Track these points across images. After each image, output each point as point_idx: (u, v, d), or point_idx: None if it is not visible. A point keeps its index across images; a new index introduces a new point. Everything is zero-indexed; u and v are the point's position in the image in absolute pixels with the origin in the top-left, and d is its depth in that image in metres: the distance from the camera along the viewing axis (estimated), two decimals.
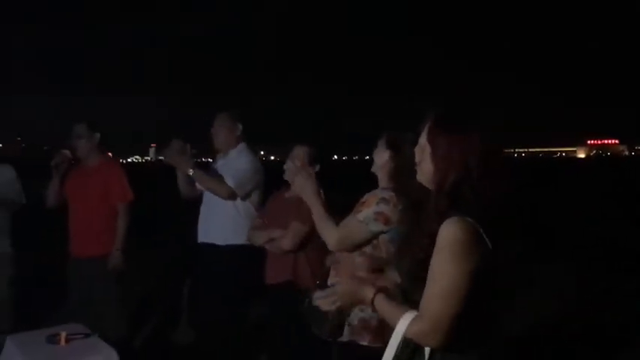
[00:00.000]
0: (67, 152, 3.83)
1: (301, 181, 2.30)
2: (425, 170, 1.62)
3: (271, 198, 3.35)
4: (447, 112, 1.63)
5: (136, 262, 3.92)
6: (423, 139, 1.63)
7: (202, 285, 3.60)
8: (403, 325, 1.50)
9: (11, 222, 4.19)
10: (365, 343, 2.25)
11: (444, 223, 1.48)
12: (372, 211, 2.23)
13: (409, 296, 1.61)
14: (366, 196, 2.32)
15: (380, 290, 1.63)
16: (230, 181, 3.46)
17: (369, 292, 1.63)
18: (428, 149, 1.60)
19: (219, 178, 3.49)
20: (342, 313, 2.20)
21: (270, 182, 3.70)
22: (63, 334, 2.87)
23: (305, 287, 2.62)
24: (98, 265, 3.70)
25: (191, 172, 3.46)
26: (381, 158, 2.40)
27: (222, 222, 3.52)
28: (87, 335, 2.96)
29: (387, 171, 2.39)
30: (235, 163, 3.57)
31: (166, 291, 5.09)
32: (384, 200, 2.24)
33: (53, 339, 2.85)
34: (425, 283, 1.50)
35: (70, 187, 3.88)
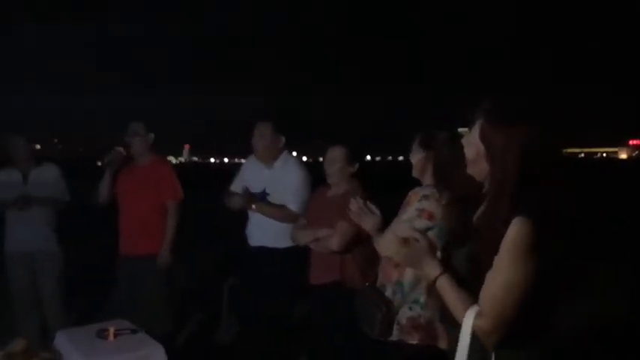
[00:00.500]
0: (120, 150, 3.86)
1: (371, 222, 2.31)
2: (480, 168, 1.58)
3: (312, 197, 3.35)
4: (500, 107, 1.57)
5: (181, 261, 3.93)
6: (474, 137, 1.58)
7: (250, 286, 3.59)
8: (470, 320, 1.49)
9: (57, 220, 4.33)
10: (414, 342, 2.24)
11: (512, 223, 1.45)
12: (415, 209, 2.25)
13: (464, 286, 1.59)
14: (409, 195, 2.34)
15: (446, 271, 1.59)
16: (293, 206, 3.46)
17: (435, 268, 1.60)
18: (482, 147, 1.55)
19: (284, 207, 3.48)
20: (392, 312, 2.20)
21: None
22: (111, 330, 2.94)
23: (353, 287, 2.63)
24: (148, 263, 3.73)
25: (254, 207, 3.51)
26: (418, 160, 2.41)
27: (273, 226, 3.52)
28: (134, 331, 3.03)
29: (426, 171, 2.39)
30: (288, 182, 3.54)
31: (211, 290, 5.16)
32: (425, 197, 2.25)
33: (102, 334, 2.92)
34: (479, 278, 1.49)
35: (122, 185, 3.92)
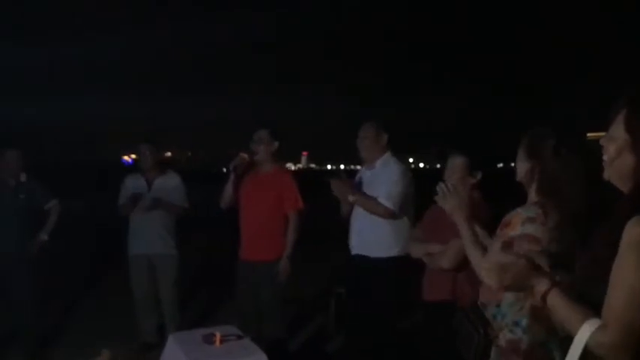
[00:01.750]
0: (245, 156, 3.88)
1: (452, 203, 2.18)
2: (623, 164, 1.38)
3: (431, 208, 3.19)
4: None
5: (297, 269, 3.90)
6: (617, 131, 1.39)
7: (354, 296, 3.54)
8: (586, 334, 1.29)
9: (177, 225, 4.54)
10: None
11: (633, 218, 1.26)
12: (518, 235, 1.97)
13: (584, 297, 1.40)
14: (510, 216, 2.07)
15: (556, 284, 1.42)
16: (384, 201, 3.41)
17: (543, 282, 1.43)
18: (626, 138, 1.37)
19: (376, 201, 3.44)
20: (489, 337, 1.99)
21: (425, 191, 3.56)
22: (218, 335, 3.00)
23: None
24: (266, 269, 3.77)
25: (351, 198, 3.47)
26: (524, 170, 2.11)
27: (372, 235, 3.47)
28: (240, 337, 3.06)
29: (532, 183, 2.10)
30: (384, 177, 3.50)
31: (323, 299, 5.16)
32: (529, 220, 1.96)
33: (209, 339, 2.99)
34: (599, 281, 1.31)
35: (244, 191, 3.93)
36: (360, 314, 3.45)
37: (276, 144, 3.91)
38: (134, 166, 4.90)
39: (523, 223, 1.97)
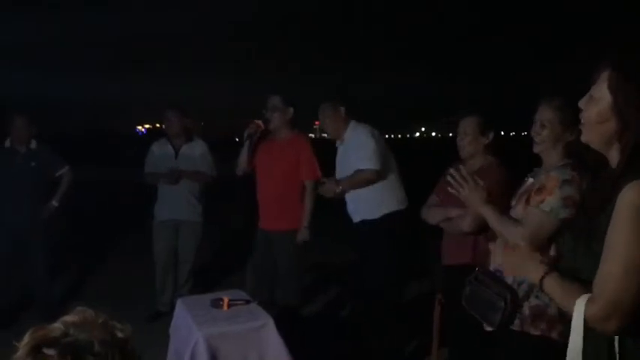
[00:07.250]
0: (259, 123, 3.76)
1: (468, 194, 2.15)
2: (605, 129, 1.36)
3: (446, 173, 3.18)
4: (633, 53, 1.36)
5: (315, 237, 3.85)
6: (600, 91, 1.36)
7: (363, 260, 3.55)
8: (580, 310, 1.29)
9: (204, 193, 4.54)
10: (538, 333, 2.00)
11: (625, 188, 1.25)
12: (559, 197, 1.97)
13: (577, 275, 1.40)
14: (542, 180, 2.05)
15: (552, 270, 1.43)
16: (366, 164, 3.42)
17: (538, 270, 1.45)
18: (609, 100, 1.34)
19: (357, 172, 3.46)
20: (516, 302, 1.97)
21: (437, 159, 3.54)
22: (226, 300, 3.04)
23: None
24: (283, 237, 3.71)
25: (339, 189, 3.50)
26: (552, 132, 2.11)
27: (367, 197, 3.49)
28: (247, 302, 3.10)
29: (557, 146, 2.11)
30: (353, 144, 3.52)
31: (338, 266, 5.17)
32: (567, 182, 1.97)
33: (216, 303, 3.03)
34: (592, 259, 1.30)
35: (260, 160, 3.84)
36: (364, 279, 3.48)
37: (291, 110, 3.77)
38: (158, 135, 4.85)
39: (561, 187, 1.97)
